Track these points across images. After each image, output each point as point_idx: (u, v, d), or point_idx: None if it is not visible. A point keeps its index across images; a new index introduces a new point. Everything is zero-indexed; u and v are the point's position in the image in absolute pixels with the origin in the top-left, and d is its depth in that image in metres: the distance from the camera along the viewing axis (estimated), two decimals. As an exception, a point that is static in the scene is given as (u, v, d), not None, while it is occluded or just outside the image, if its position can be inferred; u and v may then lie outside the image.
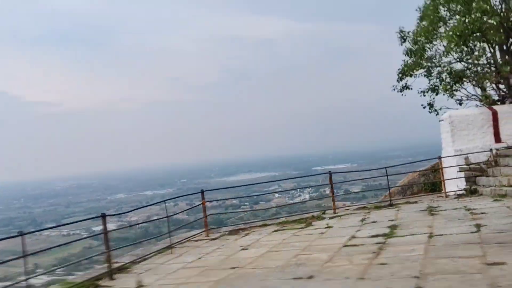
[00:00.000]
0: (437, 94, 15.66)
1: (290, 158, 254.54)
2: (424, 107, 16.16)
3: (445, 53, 14.44)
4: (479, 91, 14.98)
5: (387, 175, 12.03)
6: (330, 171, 12.21)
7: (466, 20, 13.42)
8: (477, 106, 14.93)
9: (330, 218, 11.16)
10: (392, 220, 9.54)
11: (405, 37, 15.68)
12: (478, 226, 7.66)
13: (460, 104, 15.67)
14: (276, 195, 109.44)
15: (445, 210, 10.17)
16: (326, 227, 9.76)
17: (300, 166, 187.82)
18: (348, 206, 13.45)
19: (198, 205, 11.29)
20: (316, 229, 9.78)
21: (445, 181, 12.97)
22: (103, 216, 7.13)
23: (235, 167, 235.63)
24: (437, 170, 14.86)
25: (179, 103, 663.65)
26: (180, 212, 14.59)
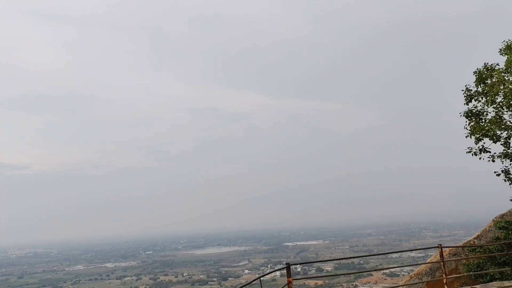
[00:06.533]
0: None
1: (260, 233, 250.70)
2: (498, 175, 14.51)
3: None
4: None
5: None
6: (440, 244, 10.35)
7: None
8: None
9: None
10: None
11: (471, 96, 14.57)
12: None
13: None
14: (246, 271, 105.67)
15: None
16: None
17: (271, 241, 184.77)
18: None
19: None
20: None
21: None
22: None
23: (203, 240, 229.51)
24: (475, 249, 13.63)
25: (148, 171, 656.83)
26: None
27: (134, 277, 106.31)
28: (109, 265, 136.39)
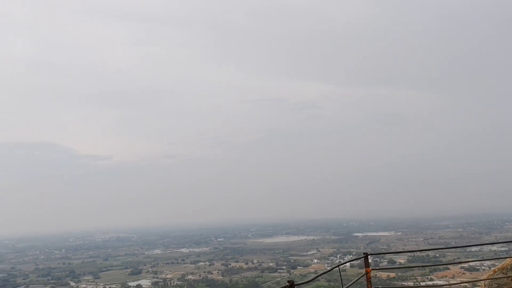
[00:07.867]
0: None
1: (329, 222, 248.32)
2: None
3: None
4: None
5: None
6: None
7: None
8: None
9: None
10: None
11: None
12: None
13: None
14: (315, 260, 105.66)
15: None
16: None
17: (340, 231, 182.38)
18: None
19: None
20: None
21: None
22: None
23: (272, 228, 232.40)
24: None
25: (216, 162, 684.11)
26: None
27: (207, 262, 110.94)
28: (184, 250, 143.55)
